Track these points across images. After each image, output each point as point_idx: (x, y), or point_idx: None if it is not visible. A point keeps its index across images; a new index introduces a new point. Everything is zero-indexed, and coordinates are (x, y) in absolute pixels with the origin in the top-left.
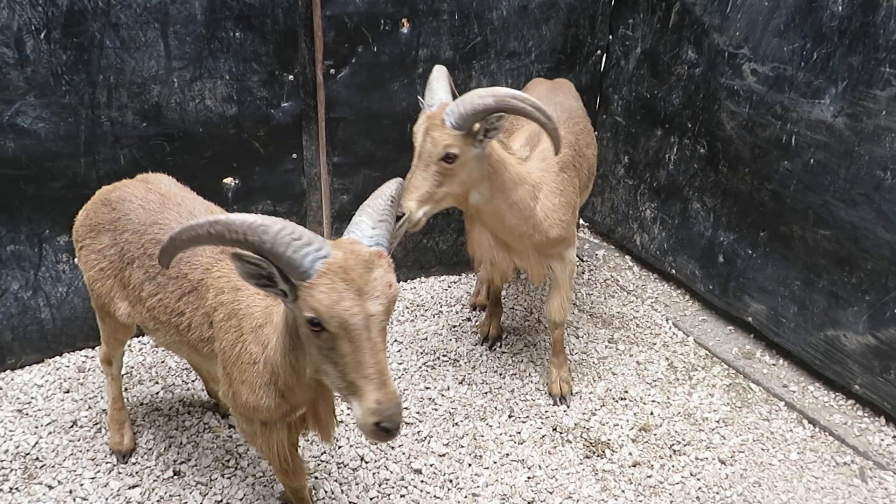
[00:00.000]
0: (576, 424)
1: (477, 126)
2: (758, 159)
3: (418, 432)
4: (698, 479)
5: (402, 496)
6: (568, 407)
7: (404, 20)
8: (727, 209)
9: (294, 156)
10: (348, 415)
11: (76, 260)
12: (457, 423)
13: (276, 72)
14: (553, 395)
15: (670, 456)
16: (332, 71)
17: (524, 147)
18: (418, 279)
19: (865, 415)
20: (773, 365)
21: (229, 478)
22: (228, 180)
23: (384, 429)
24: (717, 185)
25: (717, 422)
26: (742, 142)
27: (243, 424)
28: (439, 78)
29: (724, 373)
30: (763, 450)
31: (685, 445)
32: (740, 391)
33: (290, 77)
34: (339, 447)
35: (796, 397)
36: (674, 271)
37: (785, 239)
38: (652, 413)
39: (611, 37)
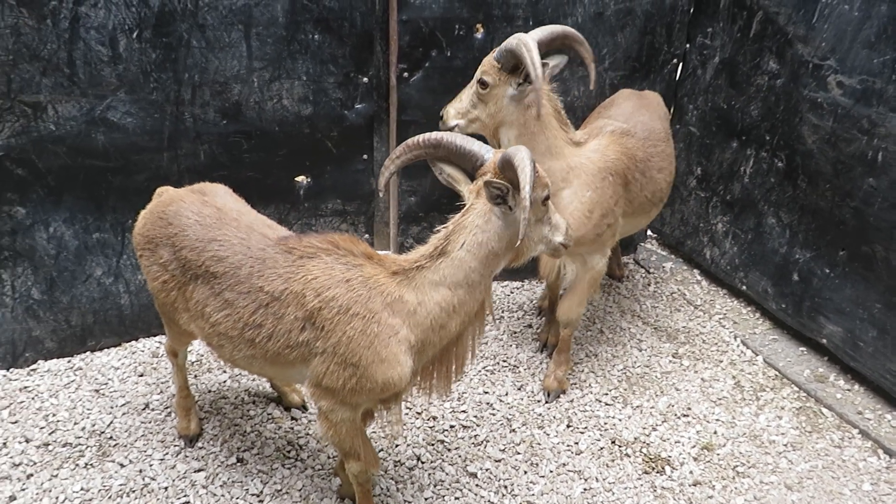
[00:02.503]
0: (635, 438)
1: (521, 68)
2: (840, 175)
3: (475, 436)
4: None
5: (456, 498)
6: (548, 402)
7: (479, 25)
8: (804, 226)
9: (365, 156)
10: (406, 415)
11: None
12: (514, 430)
13: (351, 74)
14: (544, 387)
15: (733, 477)
16: (406, 74)
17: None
18: None
19: None
20: (848, 390)
21: (289, 468)
22: (301, 178)
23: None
24: (794, 201)
25: (785, 445)
26: (824, 156)
27: (344, 414)
28: (544, 30)
29: (794, 395)
30: (833, 478)
31: (750, 468)
32: (811, 415)
33: (365, 79)
34: (397, 446)
35: (872, 425)
36: (744, 287)
37: (866, 259)
38: (716, 432)
39: (688, 45)
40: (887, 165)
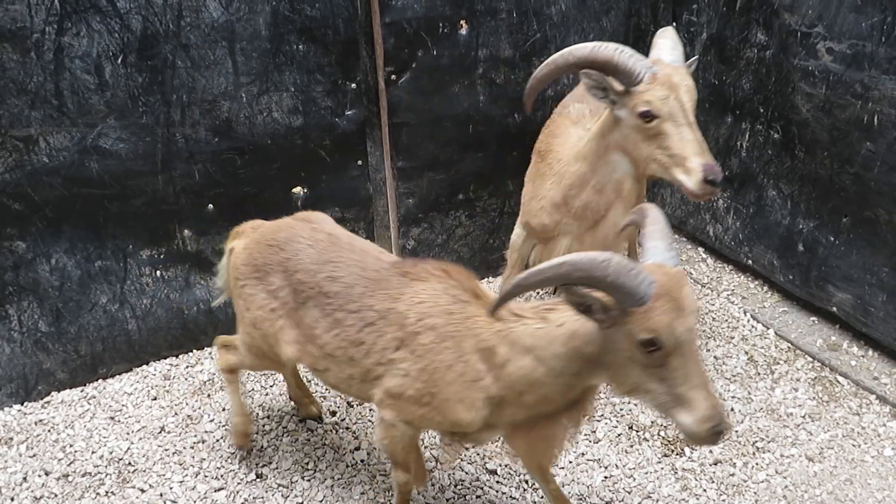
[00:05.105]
0: (652, 422)
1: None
2: (837, 142)
3: None
4: (784, 478)
5: (477, 497)
6: None
7: (462, 22)
8: (805, 195)
9: (359, 162)
10: None
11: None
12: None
13: (338, 81)
14: None
15: (753, 453)
16: (394, 77)
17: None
18: (486, 279)
19: None
20: (862, 356)
21: (309, 480)
22: (297, 189)
23: (718, 432)
24: (793, 171)
25: (803, 417)
26: (819, 124)
27: (406, 431)
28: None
29: (809, 366)
30: (854, 446)
31: (769, 442)
32: (827, 385)
33: (353, 85)
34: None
35: (889, 390)
36: (750, 262)
37: (870, 224)
38: (732, 409)
39: (674, 24)
40: (884, 128)
